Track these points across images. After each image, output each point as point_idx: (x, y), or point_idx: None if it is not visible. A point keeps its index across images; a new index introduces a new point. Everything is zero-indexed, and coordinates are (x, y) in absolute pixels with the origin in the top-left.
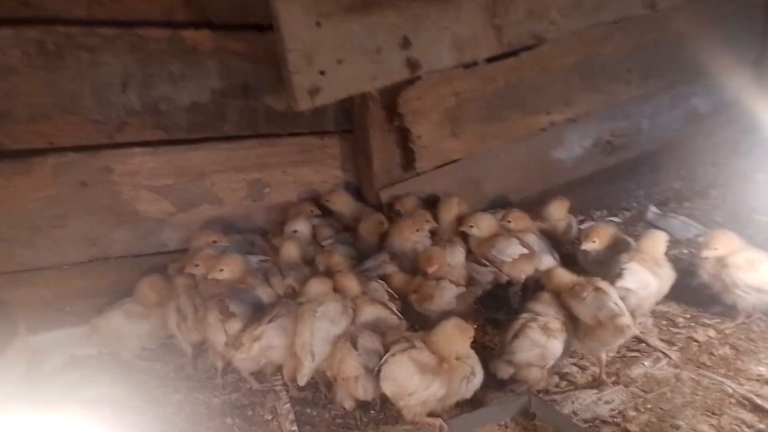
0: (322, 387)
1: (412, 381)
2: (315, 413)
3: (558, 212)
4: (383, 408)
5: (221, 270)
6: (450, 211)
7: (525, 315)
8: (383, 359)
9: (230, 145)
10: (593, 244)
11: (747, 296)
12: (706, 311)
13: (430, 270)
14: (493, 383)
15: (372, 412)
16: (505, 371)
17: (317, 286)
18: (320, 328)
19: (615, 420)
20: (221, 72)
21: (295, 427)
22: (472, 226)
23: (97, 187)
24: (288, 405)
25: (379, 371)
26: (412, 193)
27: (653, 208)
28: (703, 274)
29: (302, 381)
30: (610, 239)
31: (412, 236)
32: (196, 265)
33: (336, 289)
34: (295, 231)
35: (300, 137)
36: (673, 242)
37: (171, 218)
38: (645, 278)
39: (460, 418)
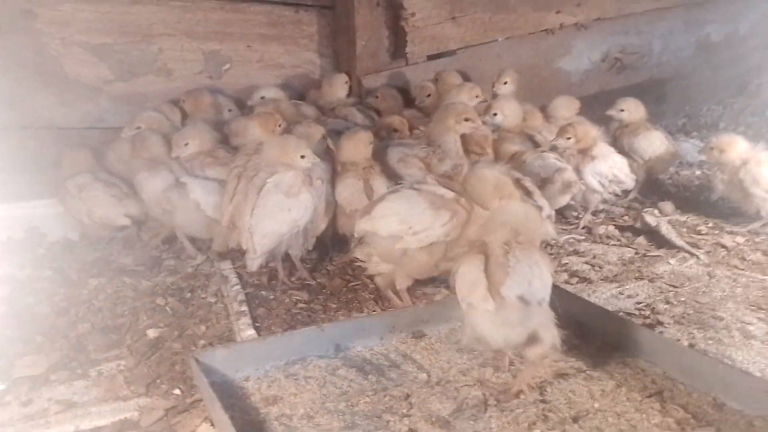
0: (281, 274)
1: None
2: (272, 297)
3: (566, 111)
4: (356, 297)
5: (186, 144)
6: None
7: None
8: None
9: (184, 3)
10: (568, 141)
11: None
12: (728, 221)
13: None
14: None
15: (341, 300)
16: None
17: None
18: (268, 204)
19: (643, 313)
20: None
21: (245, 308)
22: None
23: (16, 36)
24: (238, 287)
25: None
26: (397, 85)
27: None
28: (719, 183)
29: (252, 266)
30: (591, 142)
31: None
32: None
33: None
34: (263, 97)
35: (270, 5)
36: (685, 164)
37: (108, 87)
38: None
39: (453, 299)
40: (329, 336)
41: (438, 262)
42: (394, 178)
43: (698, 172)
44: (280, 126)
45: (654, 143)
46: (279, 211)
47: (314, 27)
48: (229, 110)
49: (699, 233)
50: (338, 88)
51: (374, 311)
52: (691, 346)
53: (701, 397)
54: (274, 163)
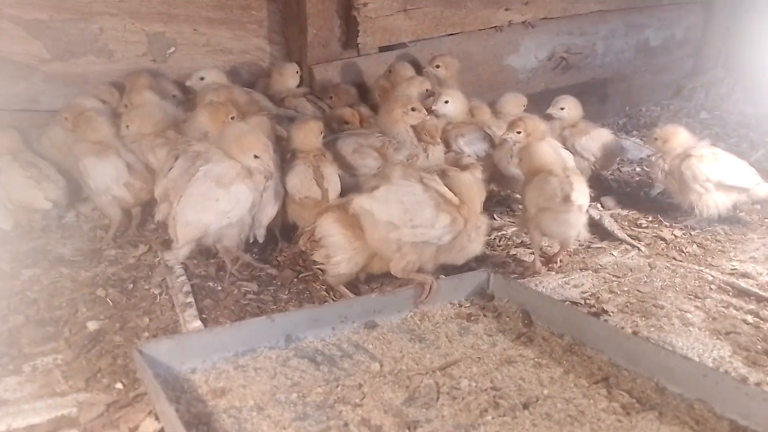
0: (228, 264)
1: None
2: (220, 288)
3: (514, 107)
4: (306, 289)
5: (127, 126)
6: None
7: None
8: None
9: None
10: (518, 135)
11: (707, 193)
12: (667, 216)
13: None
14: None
15: (292, 291)
16: None
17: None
18: (199, 192)
19: (588, 302)
20: None
21: (191, 299)
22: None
23: None
24: (183, 278)
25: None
26: (349, 76)
27: None
28: (659, 172)
29: (177, 255)
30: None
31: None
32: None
33: None
34: (202, 78)
35: None
36: (626, 161)
37: (44, 66)
38: None
39: (407, 291)
40: (280, 326)
41: (424, 263)
42: (347, 169)
43: (638, 169)
44: (231, 118)
45: (603, 142)
46: (205, 200)
47: (264, 12)
48: (173, 95)
49: (639, 227)
50: (289, 78)
51: (325, 302)
52: (635, 333)
53: (645, 382)
54: (221, 153)
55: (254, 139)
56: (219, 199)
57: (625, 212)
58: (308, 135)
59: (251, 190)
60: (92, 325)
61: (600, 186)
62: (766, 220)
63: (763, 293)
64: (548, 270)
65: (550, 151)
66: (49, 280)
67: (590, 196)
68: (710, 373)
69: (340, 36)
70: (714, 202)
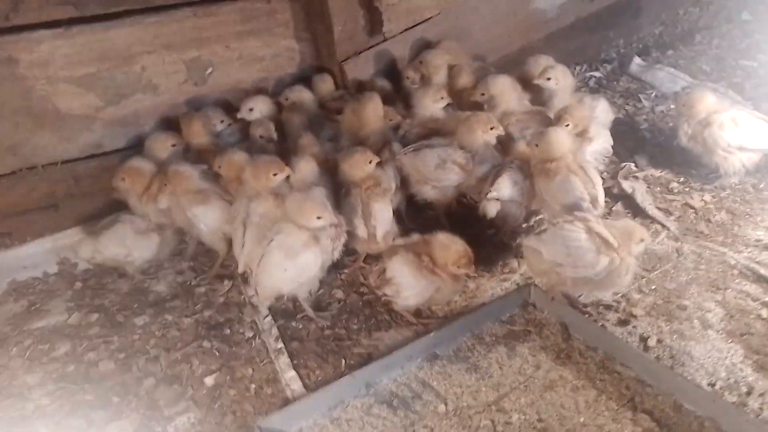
0: (309, 311)
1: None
2: (300, 326)
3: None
4: (372, 314)
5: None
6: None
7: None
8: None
9: (158, 18)
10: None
11: (731, 155)
12: (698, 174)
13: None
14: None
15: (360, 318)
16: (492, 209)
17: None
18: (271, 261)
19: (620, 304)
20: None
21: (281, 344)
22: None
23: (2, 85)
24: (269, 318)
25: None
26: (379, 64)
27: (637, 59)
28: (683, 136)
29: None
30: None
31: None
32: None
33: None
34: (251, 109)
35: (242, 2)
36: (660, 96)
37: (100, 114)
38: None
39: (461, 320)
40: (360, 378)
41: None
42: (429, 182)
43: (673, 106)
44: (274, 175)
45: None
46: (277, 270)
47: (288, 14)
48: (221, 121)
49: (671, 192)
50: (323, 89)
51: (390, 328)
52: (659, 341)
53: (665, 399)
54: (287, 220)
55: (311, 205)
56: (287, 269)
57: (657, 173)
58: (353, 168)
59: (318, 255)
60: (209, 381)
61: (634, 137)
62: None
63: None
64: None
65: (568, 141)
66: (160, 332)
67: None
68: (718, 399)
69: (365, 25)
70: (739, 161)
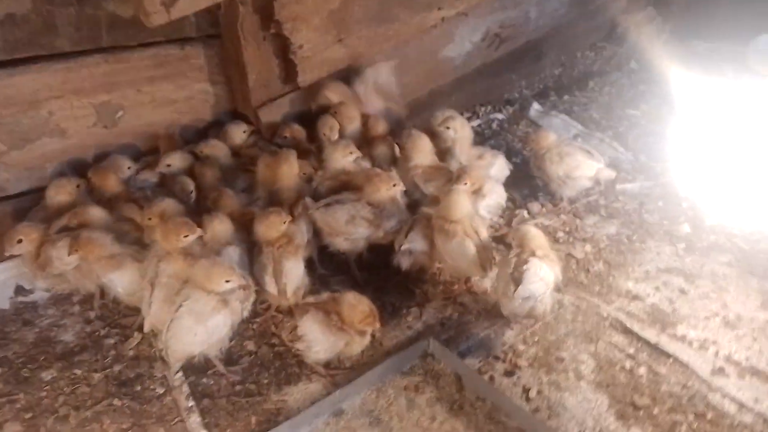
0: (220, 367)
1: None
2: (212, 382)
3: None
4: (282, 366)
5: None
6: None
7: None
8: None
9: (66, 64)
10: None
11: (563, 183)
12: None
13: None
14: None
15: (270, 371)
16: (405, 261)
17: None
18: (181, 326)
19: (506, 355)
20: None
21: (192, 402)
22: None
23: None
24: (180, 374)
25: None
26: (294, 108)
27: (536, 105)
28: (533, 167)
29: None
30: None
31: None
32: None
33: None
34: (169, 165)
35: (155, 47)
36: None
37: (3, 158)
38: None
39: (366, 375)
40: None
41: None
42: (341, 234)
43: None
44: (185, 237)
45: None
46: (186, 335)
47: (202, 59)
48: (128, 167)
49: (557, 241)
50: (236, 137)
51: (299, 381)
52: (539, 392)
53: None
54: (195, 285)
55: (219, 270)
56: (197, 333)
57: (547, 221)
58: (269, 229)
59: (228, 316)
60: None
61: (529, 184)
62: (664, 221)
63: (642, 333)
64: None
65: (467, 204)
66: (69, 388)
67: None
68: None
69: (279, 73)
70: (571, 188)
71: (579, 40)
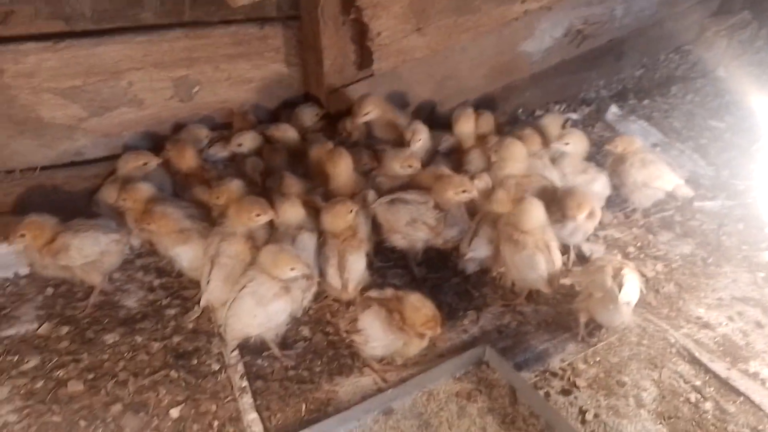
0: (276, 351)
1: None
2: (266, 364)
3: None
4: (335, 356)
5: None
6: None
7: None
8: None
9: (149, 37)
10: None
11: (637, 191)
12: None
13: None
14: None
15: (323, 359)
16: (470, 267)
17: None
18: (242, 307)
19: (565, 372)
20: None
21: (245, 383)
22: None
23: None
24: (236, 353)
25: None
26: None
27: (614, 108)
28: (608, 171)
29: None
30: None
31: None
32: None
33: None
34: (240, 144)
35: (235, 25)
36: None
37: (83, 124)
38: None
39: (418, 376)
40: (316, 431)
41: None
42: (399, 232)
43: None
44: (257, 216)
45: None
46: (246, 317)
47: (280, 40)
48: (206, 136)
49: (627, 256)
50: (307, 120)
51: (351, 374)
52: (596, 416)
53: None
54: (261, 269)
55: (286, 256)
56: (257, 316)
57: (618, 234)
58: (336, 219)
59: (289, 304)
60: (174, 413)
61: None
62: (744, 246)
63: (711, 365)
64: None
65: (542, 216)
66: (129, 353)
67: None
68: None
69: (355, 59)
70: (645, 196)
71: (664, 41)
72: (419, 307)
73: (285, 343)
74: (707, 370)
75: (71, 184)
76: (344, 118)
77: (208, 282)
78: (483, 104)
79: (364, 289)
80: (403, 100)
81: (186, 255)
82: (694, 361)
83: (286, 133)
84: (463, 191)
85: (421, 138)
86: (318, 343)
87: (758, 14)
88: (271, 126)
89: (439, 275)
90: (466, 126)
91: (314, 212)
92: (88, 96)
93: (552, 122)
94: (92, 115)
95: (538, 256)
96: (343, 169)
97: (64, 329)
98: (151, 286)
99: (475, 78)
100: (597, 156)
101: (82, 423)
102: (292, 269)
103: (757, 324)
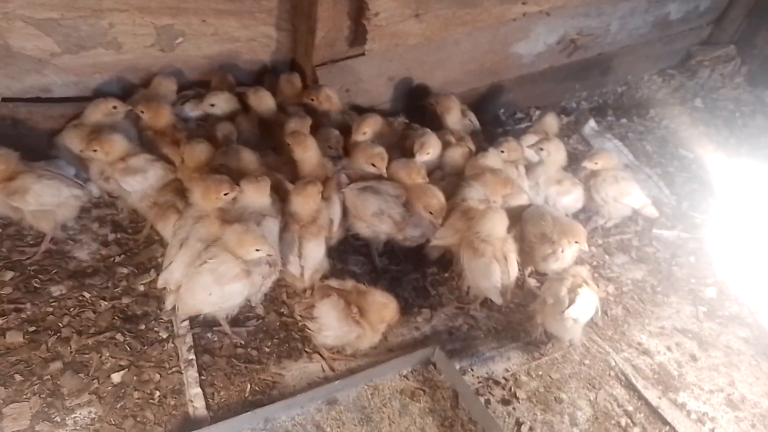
0: (226, 327)
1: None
2: (215, 338)
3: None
4: (286, 338)
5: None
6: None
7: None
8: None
9: None
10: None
11: (606, 205)
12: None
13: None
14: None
15: (274, 340)
16: (435, 252)
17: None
18: (199, 282)
19: (507, 382)
20: None
21: (192, 356)
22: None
23: None
24: (186, 324)
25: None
26: (349, 76)
27: (592, 122)
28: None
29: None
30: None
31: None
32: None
33: None
34: (212, 105)
35: None
36: None
37: (54, 59)
38: None
39: (366, 371)
40: (260, 415)
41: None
42: (365, 221)
43: None
44: (225, 194)
45: None
46: (202, 292)
47: (274, 1)
48: (174, 90)
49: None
50: (288, 91)
51: (300, 358)
52: (531, 429)
53: None
54: (224, 248)
55: (251, 237)
56: (212, 294)
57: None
58: (307, 199)
59: (247, 287)
60: (116, 378)
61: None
62: (692, 279)
63: (645, 392)
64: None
65: (504, 226)
66: (75, 309)
67: None
68: None
69: (348, 35)
70: (614, 209)
71: (650, 62)
72: (386, 303)
73: (237, 318)
74: (640, 397)
75: (34, 121)
76: (315, 86)
77: (171, 263)
78: (468, 99)
79: (324, 277)
80: (389, 84)
81: (135, 184)
82: (630, 387)
83: (263, 99)
84: (372, 164)
85: (429, 152)
86: (270, 323)
87: (743, 50)
88: (249, 90)
89: (399, 268)
90: None
91: (279, 195)
92: (64, 31)
93: (552, 122)
94: (66, 51)
95: (494, 265)
96: (312, 154)
97: (8, 274)
98: (105, 240)
99: (463, 72)
100: (570, 168)
101: (18, 377)
102: (257, 249)
103: (692, 357)
